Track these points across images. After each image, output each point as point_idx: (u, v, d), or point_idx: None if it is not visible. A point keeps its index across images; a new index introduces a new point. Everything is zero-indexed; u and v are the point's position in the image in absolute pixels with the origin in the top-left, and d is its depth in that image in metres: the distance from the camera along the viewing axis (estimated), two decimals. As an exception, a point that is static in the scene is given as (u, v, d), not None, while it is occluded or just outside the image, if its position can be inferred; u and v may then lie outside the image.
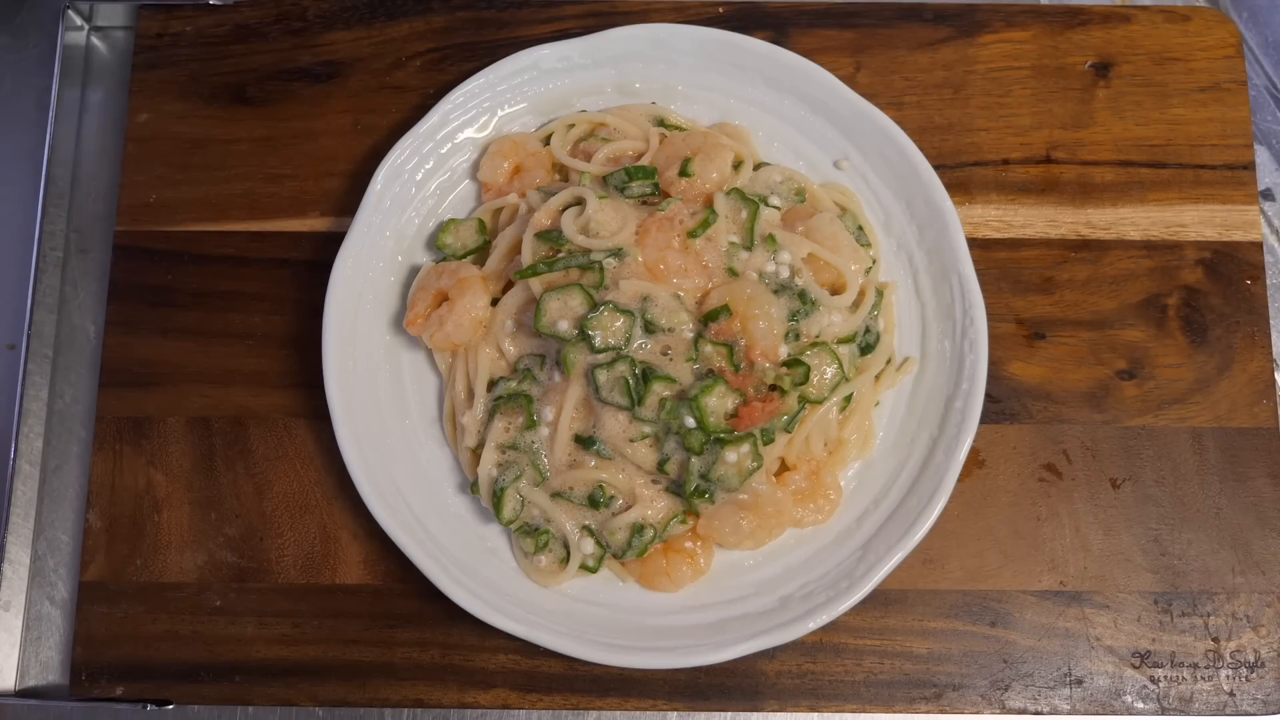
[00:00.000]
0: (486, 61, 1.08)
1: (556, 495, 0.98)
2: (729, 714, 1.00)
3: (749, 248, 0.99)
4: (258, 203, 1.10)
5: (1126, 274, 1.08)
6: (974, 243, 1.06)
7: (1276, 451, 1.04)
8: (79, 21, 1.18)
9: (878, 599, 0.99)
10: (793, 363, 0.97)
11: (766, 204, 1.03)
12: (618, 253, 0.98)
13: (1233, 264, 1.08)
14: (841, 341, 1.00)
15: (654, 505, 0.98)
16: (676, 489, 0.97)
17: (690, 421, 0.94)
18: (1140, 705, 0.99)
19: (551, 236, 1.00)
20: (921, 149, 1.05)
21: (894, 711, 0.99)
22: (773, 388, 0.96)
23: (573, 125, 1.09)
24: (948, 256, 1.03)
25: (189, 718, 1.01)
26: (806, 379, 0.97)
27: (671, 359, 0.96)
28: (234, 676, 0.99)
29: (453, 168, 1.09)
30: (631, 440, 0.96)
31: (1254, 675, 0.99)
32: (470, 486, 1.01)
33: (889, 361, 1.04)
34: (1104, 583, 1.01)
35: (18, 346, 1.10)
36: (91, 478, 1.04)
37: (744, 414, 0.95)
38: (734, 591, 0.99)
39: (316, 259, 1.07)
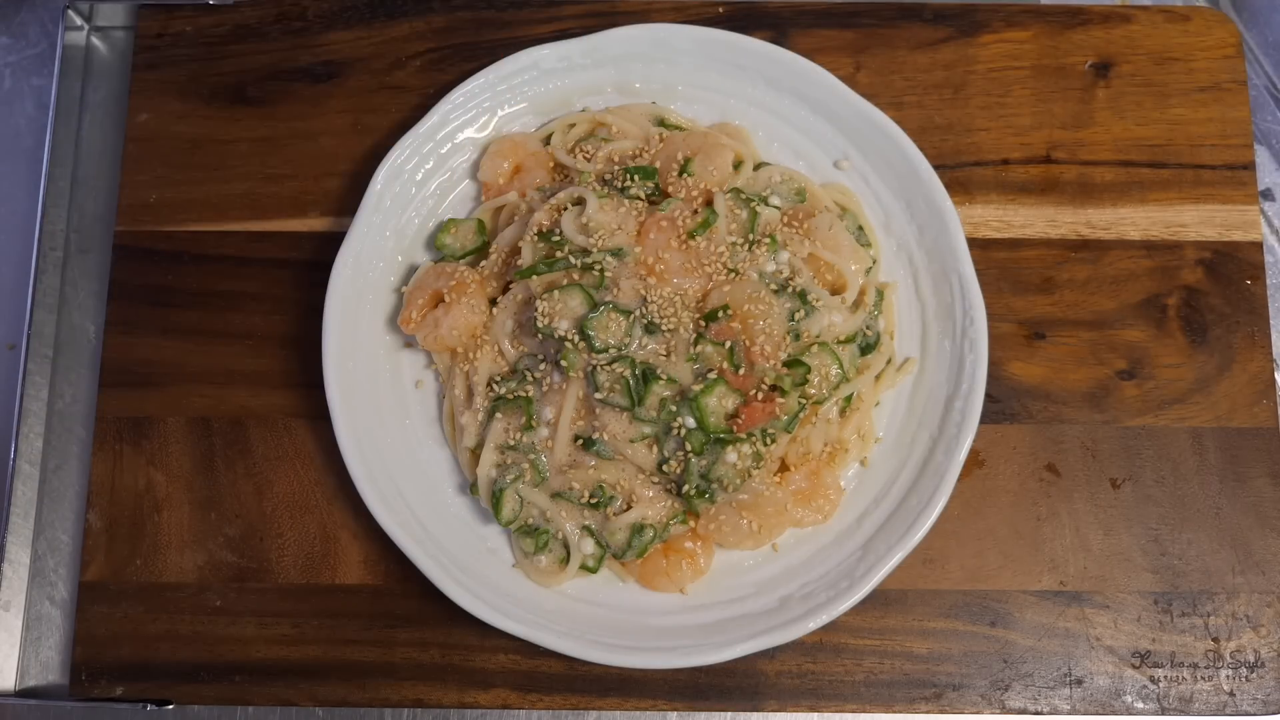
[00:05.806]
0: (486, 61, 1.08)
1: (556, 495, 0.98)
2: (729, 714, 1.00)
3: (749, 248, 0.99)
4: (258, 203, 1.10)
5: (1126, 274, 1.08)
6: (974, 243, 1.06)
7: (1276, 451, 1.04)
8: (79, 21, 1.18)
9: (878, 599, 0.99)
10: (793, 363, 0.97)
11: (767, 204, 1.03)
12: (617, 252, 0.98)
13: (1233, 264, 1.08)
14: (842, 341, 1.00)
15: (654, 505, 0.98)
16: (676, 489, 0.97)
17: (690, 422, 0.94)
18: (1140, 705, 0.99)
19: (551, 236, 1.00)
20: (921, 149, 1.05)
21: (894, 711, 0.99)
22: (773, 388, 0.96)
23: (573, 125, 1.09)
24: (948, 256, 1.03)
25: (189, 718, 1.01)
26: (807, 379, 0.97)
27: (672, 359, 0.96)
28: (234, 676, 0.99)
29: (453, 168, 1.09)
30: (631, 440, 0.96)
31: (1254, 675, 0.99)
32: (469, 487, 1.01)
33: (889, 361, 1.04)
34: (1104, 583, 1.01)
35: (18, 346, 1.10)
36: (91, 478, 1.04)
37: (744, 414, 0.95)
38: (734, 591, 0.99)
39: (316, 259, 1.07)
